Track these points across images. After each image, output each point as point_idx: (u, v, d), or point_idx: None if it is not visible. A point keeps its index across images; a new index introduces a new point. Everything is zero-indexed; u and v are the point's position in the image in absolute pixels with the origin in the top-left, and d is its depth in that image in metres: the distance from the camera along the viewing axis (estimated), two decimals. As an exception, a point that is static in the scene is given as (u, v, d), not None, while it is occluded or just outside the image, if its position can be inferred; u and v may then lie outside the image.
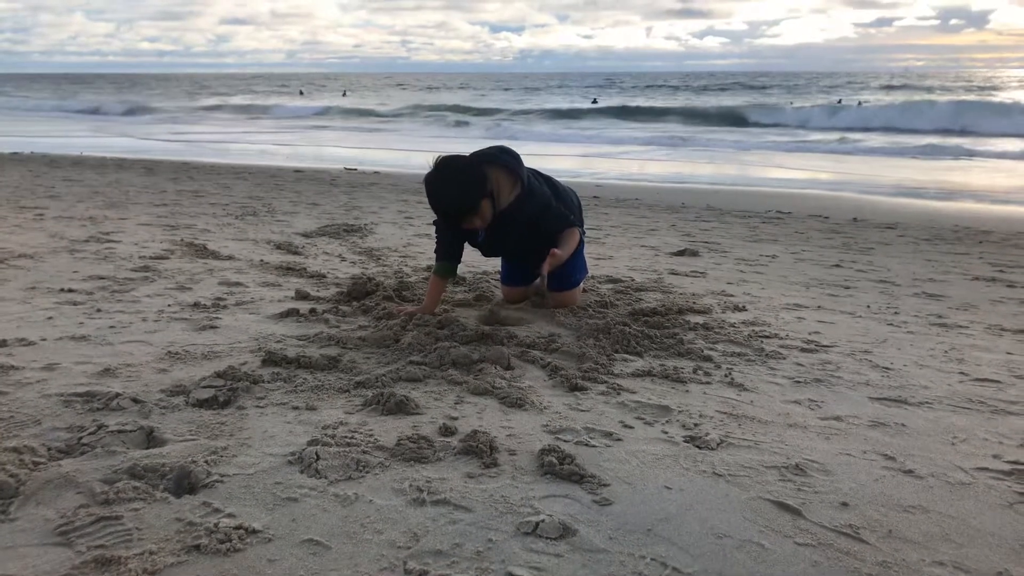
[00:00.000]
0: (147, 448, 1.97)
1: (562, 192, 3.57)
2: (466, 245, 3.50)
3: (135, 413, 2.17)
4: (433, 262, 3.50)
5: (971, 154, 15.65)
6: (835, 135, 19.55)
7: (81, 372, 2.49)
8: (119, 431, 2.01)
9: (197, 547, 1.53)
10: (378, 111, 31.13)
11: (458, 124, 25.69)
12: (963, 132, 19.37)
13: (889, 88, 48.46)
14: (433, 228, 3.51)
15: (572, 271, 3.57)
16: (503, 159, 3.31)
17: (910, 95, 38.62)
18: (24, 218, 5.63)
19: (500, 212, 3.28)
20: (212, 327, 3.09)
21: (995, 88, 49.85)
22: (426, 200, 3.26)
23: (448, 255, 3.43)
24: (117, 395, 2.26)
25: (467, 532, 1.64)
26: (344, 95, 52.89)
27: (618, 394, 2.52)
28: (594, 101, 38.74)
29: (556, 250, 3.19)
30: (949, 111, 22.53)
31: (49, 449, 1.91)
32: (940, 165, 14.12)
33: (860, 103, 36.84)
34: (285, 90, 63.11)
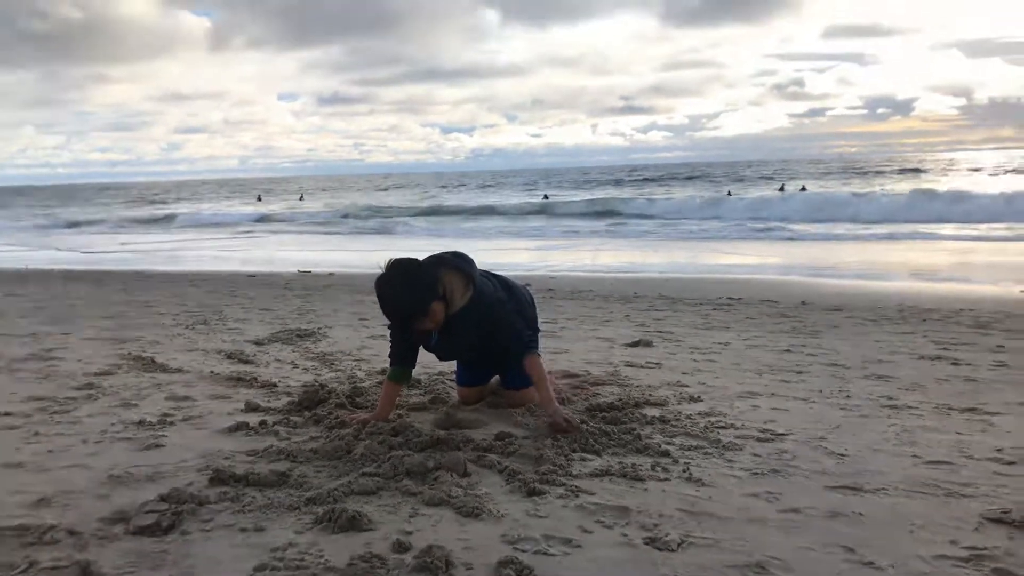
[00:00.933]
0: (82, 585, 1.86)
1: (516, 291, 3.59)
2: (421, 349, 3.48)
3: (70, 546, 2.06)
4: (387, 366, 3.46)
5: (921, 237, 16.10)
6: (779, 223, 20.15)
7: (15, 503, 2.37)
8: (53, 567, 1.91)
9: None
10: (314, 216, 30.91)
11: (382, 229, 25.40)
12: (908, 220, 19.63)
13: (826, 175, 50.65)
14: (388, 331, 3.49)
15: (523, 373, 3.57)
16: (455, 262, 3.34)
17: (847, 180, 40.32)
18: (-37, 337, 5.46)
19: (452, 315, 3.28)
20: (158, 446, 2.99)
21: (926, 171, 52.44)
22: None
23: (401, 359, 3.39)
24: (52, 527, 2.15)
25: (422, 659, 1.57)
26: (301, 199, 53.58)
27: (576, 496, 2.48)
28: (545, 197, 39.78)
29: (557, 416, 3.15)
30: (899, 202, 22.90)
31: (-25, 592, 1.79)
32: (891, 247, 14.69)
33: (803, 188, 38.46)
34: (238, 196, 63.39)
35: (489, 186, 61.73)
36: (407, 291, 3.17)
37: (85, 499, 2.42)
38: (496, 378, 3.72)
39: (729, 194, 36.58)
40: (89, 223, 31.28)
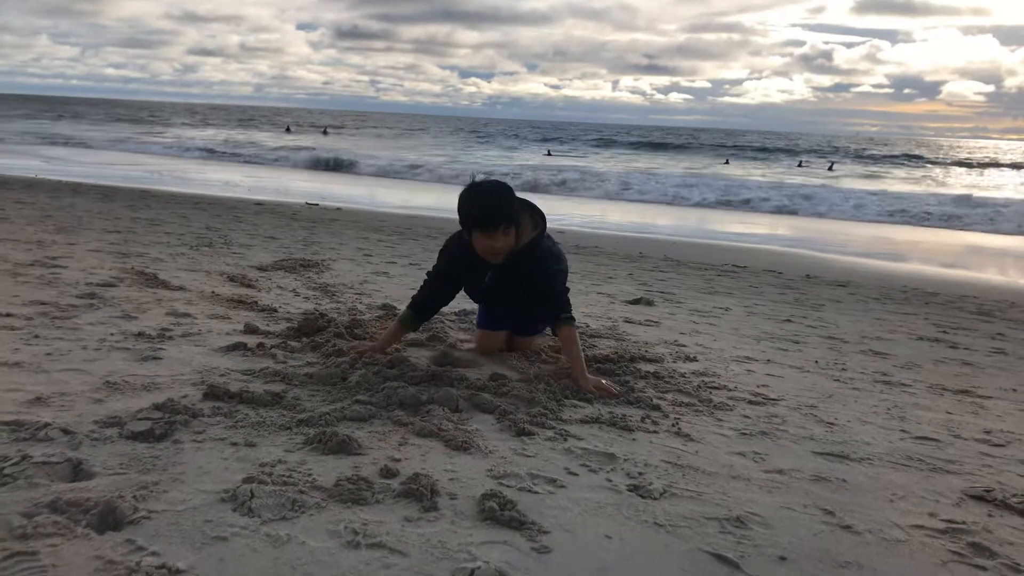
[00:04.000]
0: (73, 481, 1.89)
1: (562, 256, 3.49)
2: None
3: (63, 444, 2.09)
4: (397, 306, 3.45)
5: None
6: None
7: (11, 400, 2.40)
8: (44, 463, 1.93)
9: (115, 587, 1.46)
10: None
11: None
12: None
13: (858, 156, 49.27)
14: (426, 275, 3.41)
15: (536, 322, 3.56)
16: (531, 204, 3.33)
17: (878, 168, 39.08)
18: (-31, 239, 5.47)
19: (513, 253, 3.21)
20: (155, 358, 3.01)
21: (957, 163, 51.01)
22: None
23: (423, 307, 3.36)
24: (46, 425, 2.18)
25: (400, 577, 1.60)
26: (325, 133, 53.23)
27: (565, 440, 2.50)
28: (548, 153, 39.32)
29: (593, 381, 3.11)
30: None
31: (-32, 479, 1.82)
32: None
33: (831, 166, 37.76)
34: (255, 124, 62.70)
35: (507, 134, 60.97)
36: (503, 199, 3.12)
37: (81, 401, 2.45)
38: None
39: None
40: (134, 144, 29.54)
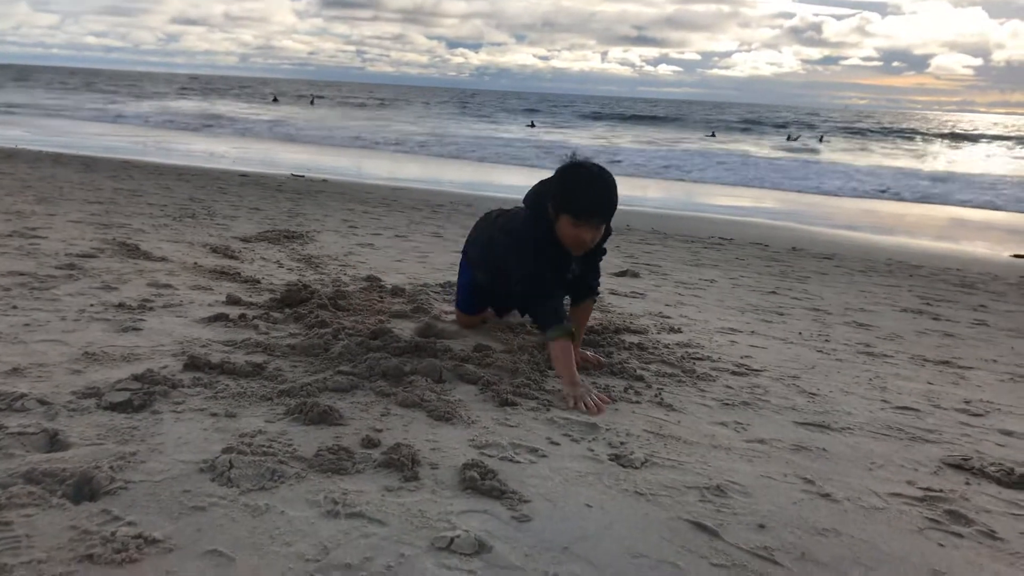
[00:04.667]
0: (49, 452, 1.87)
1: None
2: None
3: (40, 415, 2.07)
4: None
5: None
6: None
7: (-13, 370, 2.37)
8: (20, 433, 1.91)
9: (90, 556, 1.45)
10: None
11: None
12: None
13: (846, 130, 48.73)
14: (523, 268, 2.89)
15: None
16: None
17: (866, 141, 38.75)
18: (-54, 209, 5.39)
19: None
20: (135, 329, 2.98)
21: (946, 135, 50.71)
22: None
23: (560, 309, 2.85)
24: (23, 395, 2.16)
25: (379, 546, 1.60)
26: (312, 103, 52.53)
27: (547, 410, 2.50)
28: (531, 124, 38.99)
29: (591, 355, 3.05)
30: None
31: (-58, 450, 1.80)
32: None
33: (821, 138, 37.60)
34: (245, 95, 61.86)
35: (492, 105, 60.33)
36: (616, 190, 2.81)
37: (58, 372, 2.42)
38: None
39: (712, 135, 35.74)
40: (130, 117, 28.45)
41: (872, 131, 50.16)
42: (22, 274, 3.65)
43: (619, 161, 19.29)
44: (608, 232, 2.99)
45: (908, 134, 48.23)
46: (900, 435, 2.57)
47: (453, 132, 29.44)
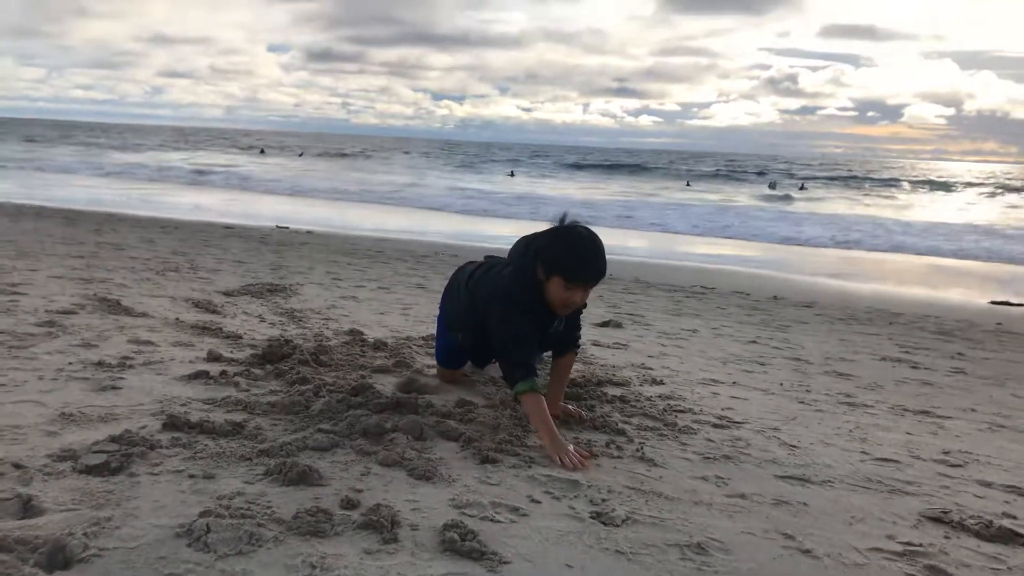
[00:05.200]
0: (22, 518, 1.84)
1: None
2: None
3: (14, 479, 2.04)
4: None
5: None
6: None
7: (-38, 433, 2.34)
8: (-7, 499, 1.88)
9: (61, 629, 1.43)
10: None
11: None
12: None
13: (825, 179, 48.98)
14: (511, 325, 2.89)
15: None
16: None
17: (843, 189, 39.01)
18: (-75, 265, 5.36)
19: None
20: (114, 388, 2.96)
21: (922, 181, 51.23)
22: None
23: (532, 366, 2.87)
24: (-3, 459, 2.13)
25: (357, 612, 1.58)
26: (300, 155, 52.70)
27: (529, 467, 2.50)
28: (511, 174, 39.43)
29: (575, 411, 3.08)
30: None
31: (-88, 518, 1.77)
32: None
33: (802, 186, 38.03)
34: (233, 147, 62.22)
35: (475, 157, 60.92)
36: (604, 256, 2.86)
37: (34, 434, 2.40)
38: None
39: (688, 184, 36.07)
40: (121, 173, 27.13)
41: (850, 178, 50.97)
42: (1, 332, 3.62)
43: (598, 216, 19.38)
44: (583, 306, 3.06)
45: (885, 182, 48.99)
46: (880, 488, 2.58)
47: (431, 183, 29.53)
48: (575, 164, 54.74)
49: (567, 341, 3.16)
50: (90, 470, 2.15)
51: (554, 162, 57.48)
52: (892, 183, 47.98)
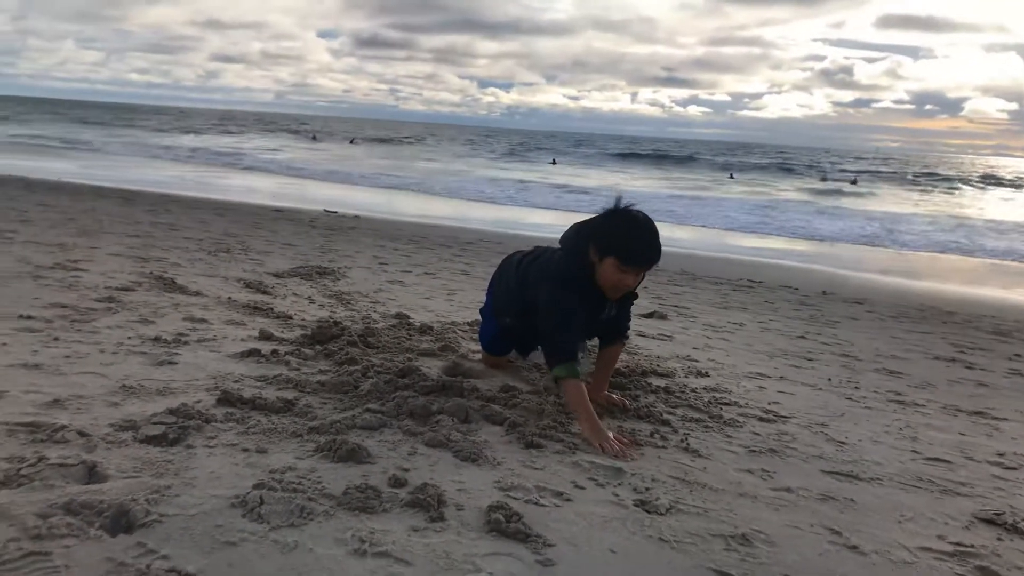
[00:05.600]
0: (87, 483, 1.92)
1: None
2: None
3: (79, 447, 2.13)
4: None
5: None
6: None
7: (29, 402, 2.44)
8: (60, 464, 1.97)
9: (125, 589, 1.49)
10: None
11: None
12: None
13: (879, 174, 47.51)
14: (555, 314, 2.88)
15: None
16: None
17: (898, 185, 37.71)
18: (-7, 241, 5.57)
19: None
20: (170, 363, 3.06)
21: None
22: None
23: (575, 351, 2.87)
24: (63, 427, 2.22)
25: (405, 587, 1.62)
26: (352, 142, 53.23)
27: (573, 453, 2.51)
28: (553, 162, 39.36)
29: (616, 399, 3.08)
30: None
31: (-15, 479, 1.86)
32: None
33: (854, 180, 37.08)
34: (283, 132, 63.13)
35: (517, 146, 60.74)
36: (659, 240, 2.87)
37: (97, 404, 2.49)
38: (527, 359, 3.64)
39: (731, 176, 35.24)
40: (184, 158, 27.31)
41: (905, 174, 49.61)
42: (64, 306, 3.76)
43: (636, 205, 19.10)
44: (643, 276, 3.04)
45: (943, 178, 47.47)
46: (931, 487, 2.54)
47: (470, 171, 29.28)
48: (619, 154, 54.29)
49: (617, 330, 3.16)
50: (150, 440, 2.23)
51: (599, 151, 57.10)
52: (950, 179, 46.51)
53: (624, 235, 2.81)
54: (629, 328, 3.24)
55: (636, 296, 3.17)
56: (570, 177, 29.79)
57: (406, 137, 68.05)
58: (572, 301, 2.90)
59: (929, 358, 4.87)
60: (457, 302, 5.24)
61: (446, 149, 51.54)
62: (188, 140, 39.27)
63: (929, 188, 37.45)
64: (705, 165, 46.31)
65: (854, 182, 36.29)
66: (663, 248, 2.88)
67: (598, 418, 2.71)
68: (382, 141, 57.09)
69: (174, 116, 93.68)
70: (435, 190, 20.76)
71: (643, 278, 2.98)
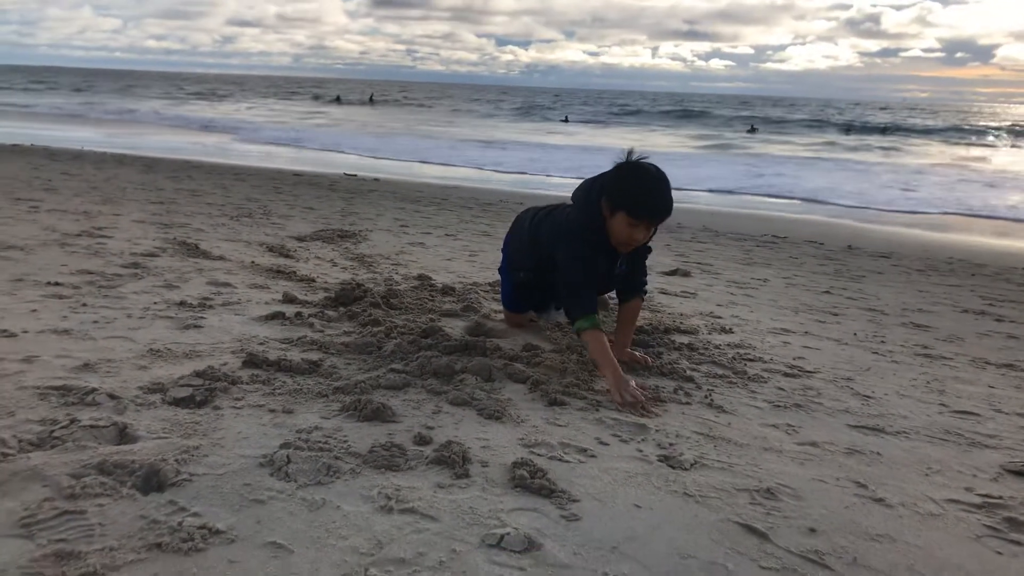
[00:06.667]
0: (119, 444, 1.96)
1: None
2: None
3: (110, 409, 2.16)
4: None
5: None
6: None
7: (60, 366, 2.49)
8: (92, 426, 2.00)
9: (159, 545, 1.53)
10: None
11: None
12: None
13: (906, 126, 45.77)
14: (573, 263, 2.91)
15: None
16: None
17: (929, 137, 36.27)
18: (18, 210, 5.63)
19: None
20: (196, 326, 3.09)
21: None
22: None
23: (593, 305, 2.88)
24: (94, 390, 2.26)
25: (432, 541, 1.64)
26: (371, 100, 53.77)
27: (596, 410, 2.51)
28: (565, 119, 38.96)
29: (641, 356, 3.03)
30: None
31: (20, 441, 1.90)
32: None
33: (885, 129, 36.10)
34: (297, 96, 62.96)
35: (530, 103, 59.95)
36: (671, 193, 2.83)
37: (126, 368, 2.53)
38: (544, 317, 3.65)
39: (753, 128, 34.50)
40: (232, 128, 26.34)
41: (934, 125, 48.27)
42: (91, 272, 3.80)
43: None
44: (649, 248, 3.10)
45: (976, 129, 45.95)
46: (959, 440, 2.52)
47: (463, 133, 28.20)
48: (637, 110, 53.41)
49: (633, 285, 3.14)
50: (178, 402, 2.26)
51: (620, 108, 56.20)
52: (983, 131, 45.07)
53: (634, 188, 2.80)
54: (646, 283, 3.21)
55: (650, 250, 3.15)
56: (580, 138, 29.12)
57: (418, 100, 67.34)
58: (589, 257, 2.90)
59: (957, 311, 4.80)
60: (479, 263, 5.23)
61: (458, 108, 50.99)
62: (208, 106, 39.28)
63: (957, 140, 36.39)
64: (728, 120, 45.27)
65: (885, 131, 35.42)
66: (680, 206, 2.84)
67: (621, 370, 2.71)
68: (418, 104, 56.66)
69: (195, 81, 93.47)
70: (433, 158, 20.08)
71: (655, 232, 2.95)
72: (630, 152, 2.91)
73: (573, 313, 2.91)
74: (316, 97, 59.78)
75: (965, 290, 5.60)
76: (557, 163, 17.42)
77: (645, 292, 3.23)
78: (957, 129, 44.15)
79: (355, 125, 29.76)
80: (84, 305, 3.24)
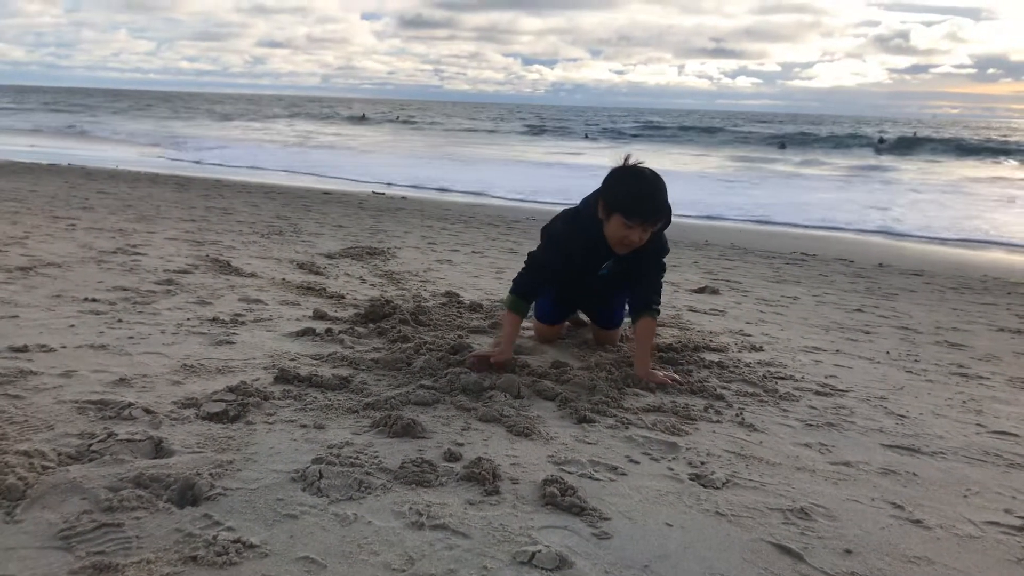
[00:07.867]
0: (154, 458, 1.99)
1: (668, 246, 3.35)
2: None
3: (146, 423, 2.20)
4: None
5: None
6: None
7: (97, 380, 2.53)
8: (128, 440, 2.04)
9: (194, 558, 1.54)
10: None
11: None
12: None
13: (937, 141, 44.86)
14: (539, 248, 3.22)
15: (619, 310, 3.52)
16: None
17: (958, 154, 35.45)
18: (57, 228, 5.76)
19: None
20: (228, 342, 3.13)
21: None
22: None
23: (532, 292, 3.15)
24: (130, 404, 2.30)
25: (463, 558, 1.64)
26: (397, 119, 55.20)
27: (626, 428, 2.50)
28: (586, 136, 39.56)
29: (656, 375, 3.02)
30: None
31: (59, 454, 1.94)
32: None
33: (914, 134, 35.47)
34: (327, 114, 63.87)
35: (557, 121, 60.11)
36: (666, 193, 2.92)
37: (160, 383, 2.57)
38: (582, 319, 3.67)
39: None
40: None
41: (963, 140, 47.46)
42: (126, 289, 3.87)
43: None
44: (664, 248, 3.17)
45: (1002, 148, 44.93)
46: (997, 461, 2.47)
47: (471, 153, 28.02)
48: (659, 126, 53.31)
49: (643, 304, 3.14)
50: (211, 417, 2.29)
51: (644, 125, 56.11)
52: (1010, 150, 44.08)
53: (627, 190, 2.91)
54: (658, 302, 3.19)
55: (663, 268, 3.25)
56: (591, 157, 28.63)
57: (431, 121, 67.71)
58: (564, 246, 3.12)
59: (993, 330, 4.72)
60: (506, 280, 5.24)
61: (478, 127, 51.20)
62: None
63: (989, 158, 35.59)
64: (756, 139, 44.84)
65: (914, 135, 34.82)
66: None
67: (510, 351, 3.02)
68: (439, 123, 57.19)
69: (228, 102, 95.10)
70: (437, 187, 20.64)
71: (650, 236, 2.99)
72: (627, 156, 3.01)
73: (512, 287, 3.16)
74: (360, 117, 60.44)
75: (1001, 308, 5.50)
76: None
77: (657, 311, 3.19)
78: (989, 144, 43.30)
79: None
80: (120, 321, 3.30)
